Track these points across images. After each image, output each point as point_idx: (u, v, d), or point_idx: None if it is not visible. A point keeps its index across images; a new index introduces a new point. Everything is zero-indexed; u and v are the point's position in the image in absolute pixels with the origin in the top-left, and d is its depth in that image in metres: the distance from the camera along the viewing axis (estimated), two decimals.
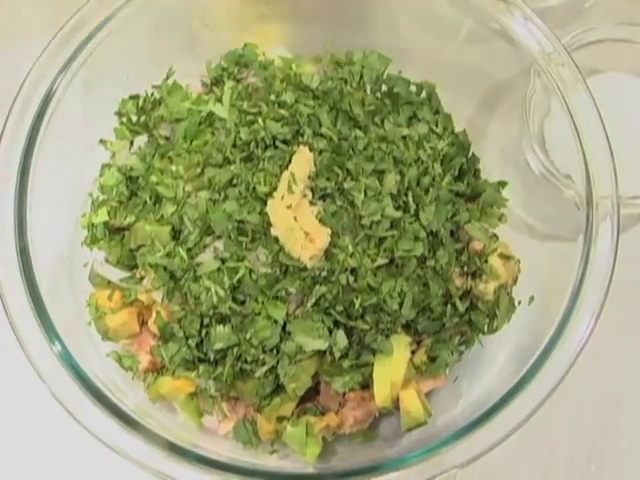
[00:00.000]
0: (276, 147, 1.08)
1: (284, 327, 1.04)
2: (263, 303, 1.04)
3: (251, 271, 1.04)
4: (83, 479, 1.20)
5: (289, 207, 1.02)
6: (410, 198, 1.08)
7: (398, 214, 1.06)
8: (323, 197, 1.06)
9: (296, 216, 1.03)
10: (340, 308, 1.03)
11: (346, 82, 1.18)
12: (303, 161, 1.05)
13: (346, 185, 1.05)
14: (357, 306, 1.03)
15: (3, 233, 1.00)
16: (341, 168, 1.06)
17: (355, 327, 1.04)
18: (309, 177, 1.05)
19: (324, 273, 1.03)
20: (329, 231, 1.03)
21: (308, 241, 1.02)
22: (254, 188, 1.06)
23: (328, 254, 1.03)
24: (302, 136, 1.09)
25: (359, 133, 1.10)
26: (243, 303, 1.05)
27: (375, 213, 1.05)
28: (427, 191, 1.09)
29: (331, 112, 1.12)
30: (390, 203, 1.06)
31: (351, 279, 1.03)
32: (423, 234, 1.07)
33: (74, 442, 1.14)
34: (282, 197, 1.03)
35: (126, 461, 0.95)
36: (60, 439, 1.19)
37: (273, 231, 1.03)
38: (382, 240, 1.05)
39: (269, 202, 1.03)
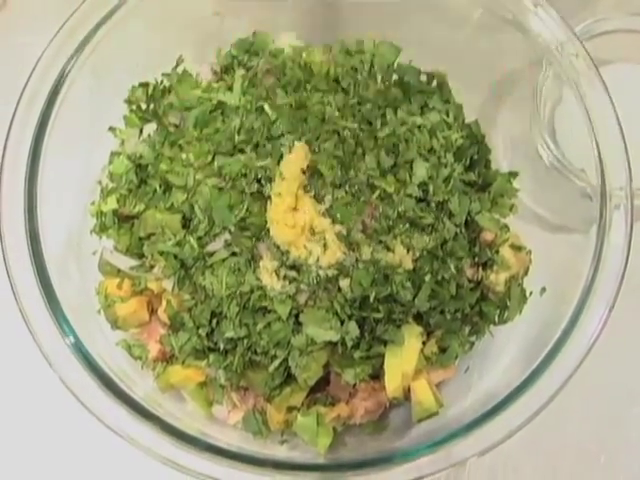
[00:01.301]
0: (279, 137, 1.08)
1: (297, 316, 1.04)
2: (272, 300, 1.04)
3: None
4: (92, 466, 1.20)
5: (287, 211, 1.03)
6: (432, 189, 1.08)
7: (428, 208, 1.07)
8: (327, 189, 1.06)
9: (299, 217, 1.03)
10: (354, 301, 1.03)
11: (357, 71, 1.18)
12: (297, 159, 1.05)
13: (372, 177, 1.06)
14: (372, 299, 1.03)
15: (14, 220, 1.00)
16: (354, 159, 1.07)
17: (367, 317, 1.04)
18: (303, 172, 1.05)
19: (336, 272, 1.03)
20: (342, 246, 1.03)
21: (319, 248, 1.03)
22: (259, 182, 1.06)
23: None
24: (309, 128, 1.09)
25: (380, 121, 1.10)
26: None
27: (407, 205, 1.05)
28: (447, 182, 1.09)
29: (343, 100, 1.12)
30: (418, 194, 1.06)
31: (368, 275, 1.03)
32: (449, 225, 1.07)
33: (84, 429, 1.14)
34: (279, 195, 1.03)
35: (135, 449, 0.95)
36: (70, 426, 1.19)
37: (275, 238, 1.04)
38: (406, 232, 1.05)
39: (268, 208, 1.04)
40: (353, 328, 1.03)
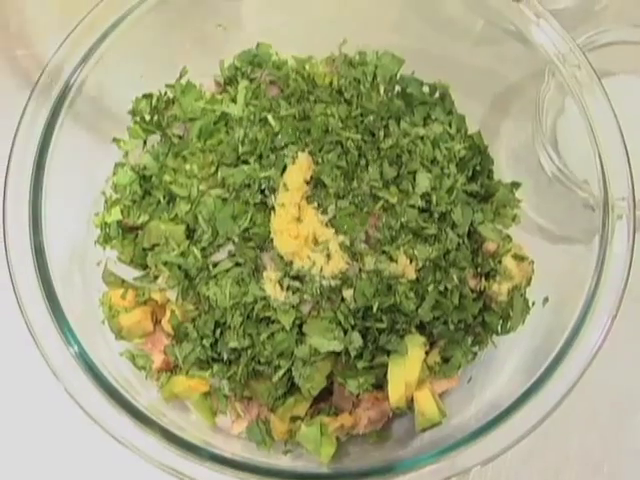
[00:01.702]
0: (282, 148, 1.09)
1: (300, 327, 1.04)
2: (275, 310, 1.05)
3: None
4: (96, 475, 1.19)
5: (291, 222, 1.04)
6: (435, 199, 1.08)
7: (430, 219, 1.07)
8: (330, 200, 1.06)
9: (302, 228, 1.04)
10: (357, 311, 1.03)
11: (359, 82, 1.18)
12: (300, 170, 1.06)
13: (375, 187, 1.07)
14: (375, 310, 1.03)
15: (18, 231, 1.00)
16: (357, 170, 1.07)
17: (371, 327, 1.04)
18: (307, 182, 1.06)
19: (340, 282, 1.04)
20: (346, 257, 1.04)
21: (323, 258, 1.03)
22: (263, 193, 1.07)
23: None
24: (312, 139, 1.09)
25: (383, 132, 1.10)
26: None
27: (410, 216, 1.06)
28: (450, 193, 1.09)
29: (346, 111, 1.12)
30: (421, 204, 1.07)
31: (372, 286, 1.03)
32: (452, 235, 1.07)
33: (88, 439, 1.13)
34: (282, 205, 1.04)
35: (139, 458, 0.95)
36: (74, 436, 1.18)
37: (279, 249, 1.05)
38: (409, 242, 1.06)
39: (272, 219, 1.05)
40: (356, 338, 1.03)
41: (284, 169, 1.06)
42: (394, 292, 1.04)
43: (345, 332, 1.04)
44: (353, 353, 1.04)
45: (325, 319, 1.04)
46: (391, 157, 1.09)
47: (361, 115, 1.13)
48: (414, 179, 1.09)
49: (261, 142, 1.08)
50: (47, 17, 1.39)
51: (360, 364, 1.05)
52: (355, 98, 1.15)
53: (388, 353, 1.06)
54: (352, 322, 1.03)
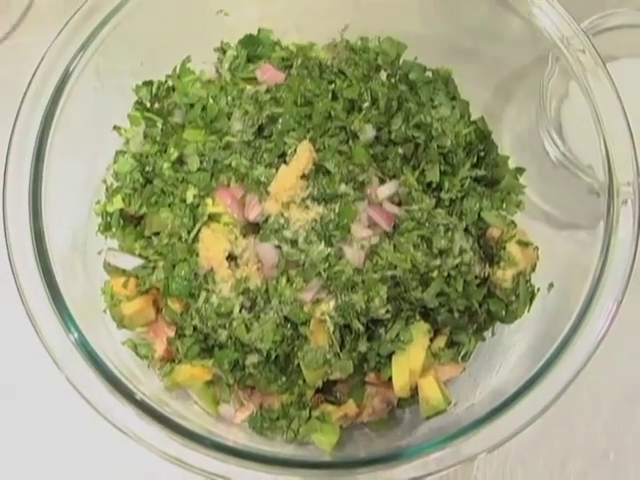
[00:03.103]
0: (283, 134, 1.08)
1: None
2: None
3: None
4: (100, 465, 1.19)
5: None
6: (447, 186, 1.08)
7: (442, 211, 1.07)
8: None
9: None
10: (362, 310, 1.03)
11: (360, 66, 1.17)
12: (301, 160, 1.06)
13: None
14: (377, 303, 1.03)
15: (19, 220, 0.99)
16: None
17: (379, 320, 1.04)
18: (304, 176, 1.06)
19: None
20: None
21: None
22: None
23: None
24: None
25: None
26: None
27: (422, 207, 1.05)
28: (461, 180, 1.09)
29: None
30: (430, 194, 1.06)
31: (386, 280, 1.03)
32: (462, 226, 1.07)
33: (91, 429, 1.13)
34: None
35: (142, 447, 0.95)
36: (77, 426, 1.19)
37: None
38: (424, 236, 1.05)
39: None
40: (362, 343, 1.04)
41: (284, 155, 1.06)
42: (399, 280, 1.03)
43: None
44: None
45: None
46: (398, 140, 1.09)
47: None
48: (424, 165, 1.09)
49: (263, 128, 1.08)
50: (48, 3, 1.38)
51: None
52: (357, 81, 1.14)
53: (392, 341, 1.06)
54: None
